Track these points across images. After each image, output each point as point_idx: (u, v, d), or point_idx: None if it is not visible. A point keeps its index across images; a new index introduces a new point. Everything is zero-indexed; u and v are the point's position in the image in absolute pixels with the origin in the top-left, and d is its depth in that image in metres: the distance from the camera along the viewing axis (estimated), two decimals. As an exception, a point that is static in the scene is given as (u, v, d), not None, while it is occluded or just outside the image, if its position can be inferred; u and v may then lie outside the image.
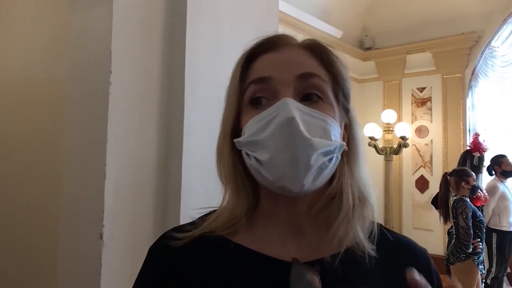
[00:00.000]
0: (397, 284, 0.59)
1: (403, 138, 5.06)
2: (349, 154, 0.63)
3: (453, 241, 3.45)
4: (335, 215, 0.59)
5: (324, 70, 0.61)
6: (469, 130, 5.30)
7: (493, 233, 4.16)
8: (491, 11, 5.08)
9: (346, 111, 0.64)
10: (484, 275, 3.91)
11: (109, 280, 1.11)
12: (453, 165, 4.54)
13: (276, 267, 0.58)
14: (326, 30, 5.13)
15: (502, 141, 5.11)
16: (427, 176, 5.57)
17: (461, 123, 5.32)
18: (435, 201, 3.89)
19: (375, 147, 5.14)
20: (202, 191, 1.25)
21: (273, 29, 1.56)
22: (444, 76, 5.47)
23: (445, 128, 5.44)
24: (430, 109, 5.60)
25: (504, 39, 5.18)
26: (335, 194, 0.60)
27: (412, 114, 5.73)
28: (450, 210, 3.47)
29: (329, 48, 0.64)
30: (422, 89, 5.67)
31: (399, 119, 5.56)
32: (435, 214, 3.98)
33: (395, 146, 5.20)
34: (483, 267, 3.50)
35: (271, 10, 1.56)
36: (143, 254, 0.67)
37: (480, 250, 3.35)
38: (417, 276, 0.48)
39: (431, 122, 5.58)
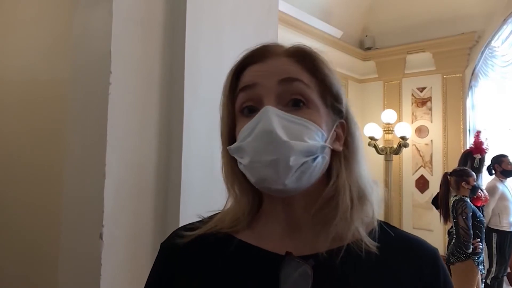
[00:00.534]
0: (396, 281, 0.60)
1: (403, 138, 5.06)
2: (346, 153, 0.65)
3: (453, 241, 3.45)
4: (332, 215, 0.61)
5: (308, 75, 0.64)
6: (469, 130, 5.29)
7: (493, 233, 4.16)
8: (491, 11, 5.08)
9: (338, 111, 0.66)
10: (484, 275, 3.91)
11: (109, 280, 1.12)
12: (453, 165, 4.54)
13: (270, 259, 0.61)
14: (326, 30, 5.13)
15: (502, 141, 5.10)
16: (427, 176, 5.56)
17: (461, 123, 5.31)
18: (436, 201, 3.89)
19: (375, 147, 5.14)
20: (202, 191, 1.25)
21: (273, 29, 1.56)
22: (444, 76, 5.46)
23: (445, 128, 5.43)
24: (430, 109, 5.60)
25: (504, 39, 5.18)
26: (332, 194, 0.62)
27: (412, 114, 5.73)
28: (450, 210, 3.47)
29: (314, 53, 0.66)
30: (422, 89, 5.67)
31: (399, 119, 5.55)
32: (435, 214, 3.98)
33: (395, 146, 5.20)
34: (483, 267, 3.50)
35: (271, 10, 1.56)
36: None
37: (480, 250, 3.35)
38: None
39: (431, 122, 5.58)
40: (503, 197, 4.23)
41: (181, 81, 1.25)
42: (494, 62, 5.28)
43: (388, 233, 0.65)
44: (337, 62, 5.01)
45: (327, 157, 0.63)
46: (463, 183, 3.43)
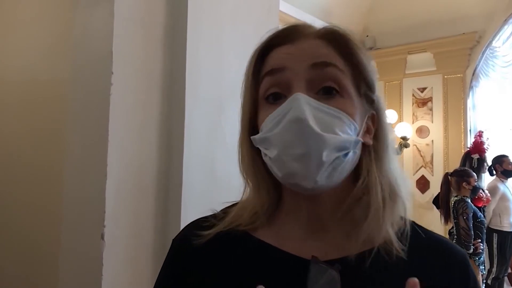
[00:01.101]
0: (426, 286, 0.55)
1: (404, 138, 5.06)
2: (376, 147, 0.60)
3: (454, 241, 3.45)
4: (363, 216, 0.57)
5: (342, 60, 0.58)
6: (470, 130, 5.29)
7: (494, 234, 4.16)
8: (492, 11, 5.08)
9: (371, 102, 0.60)
10: (485, 276, 3.91)
11: (110, 280, 1.11)
12: (454, 165, 4.54)
13: (294, 264, 0.57)
14: (326, 30, 5.12)
15: (503, 141, 5.10)
16: (428, 176, 5.56)
17: (462, 123, 5.31)
18: (436, 201, 3.89)
19: (375, 147, 5.13)
20: (202, 191, 1.25)
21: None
22: (445, 76, 5.46)
23: (446, 128, 5.43)
24: (431, 109, 5.60)
25: (505, 39, 5.17)
26: (362, 194, 0.57)
27: (413, 114, 5.73)
28: (451, 210, 3.46)
29: (349, 35, 0.59)
30: (423, 89, 5.67)
31: (400, 119, 5.56)
32: (435, 214, 3.98)
33: (396, 146, 5.19)
34: (484, 267, 3.50)
35: (272, 10, 1.56)
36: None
37: (481, 250, 3.34)
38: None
39: (432, 122, 5.58)
40: (504, 198, 4.23)
41: (182, 81, 1.25)
42: (495, 62, 5.28)
43: (419, 235, 0.61)
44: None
45: (358, 152, 0.57)
46: (464, 183, 3.43)
